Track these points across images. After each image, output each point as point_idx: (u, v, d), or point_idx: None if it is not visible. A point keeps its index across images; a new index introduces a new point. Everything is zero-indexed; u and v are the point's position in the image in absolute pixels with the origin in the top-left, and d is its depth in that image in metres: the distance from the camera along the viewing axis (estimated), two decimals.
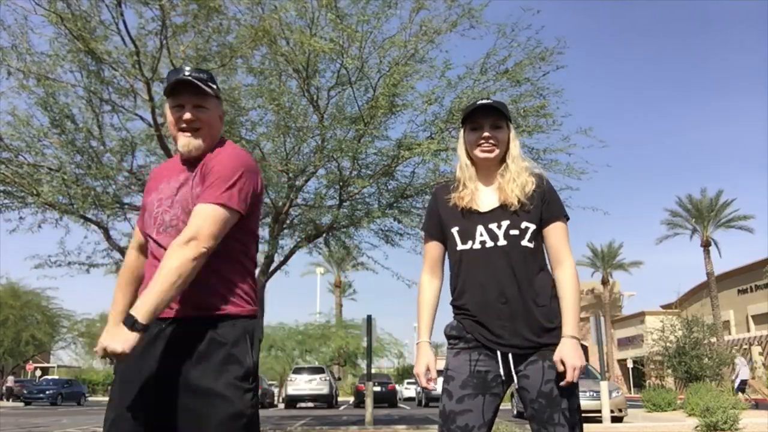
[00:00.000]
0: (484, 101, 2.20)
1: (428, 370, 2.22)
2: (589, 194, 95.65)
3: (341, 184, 10.12)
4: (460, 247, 2.19)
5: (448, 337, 2.25)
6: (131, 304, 1.96)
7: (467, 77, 9.44)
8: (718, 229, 40.24)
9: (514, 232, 2.14)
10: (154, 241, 1.99)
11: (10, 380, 38.12)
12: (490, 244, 2.14)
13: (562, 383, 2.03)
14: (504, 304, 2.11)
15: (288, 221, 10.93)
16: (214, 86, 2.03)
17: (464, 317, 2.19)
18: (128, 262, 2.17)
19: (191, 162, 2.02)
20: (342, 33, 8.37)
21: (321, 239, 11.47)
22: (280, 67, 9.01)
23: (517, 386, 2.16)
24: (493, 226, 2.15)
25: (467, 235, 2.18)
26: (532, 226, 2.15)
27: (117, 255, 10.73)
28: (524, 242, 2.14)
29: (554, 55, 9.44)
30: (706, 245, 39.93)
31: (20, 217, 9.95)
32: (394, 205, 10.54)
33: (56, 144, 9.51)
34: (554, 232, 2.19)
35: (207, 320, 1.90)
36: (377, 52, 8.91)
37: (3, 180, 9.31)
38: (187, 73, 1.98)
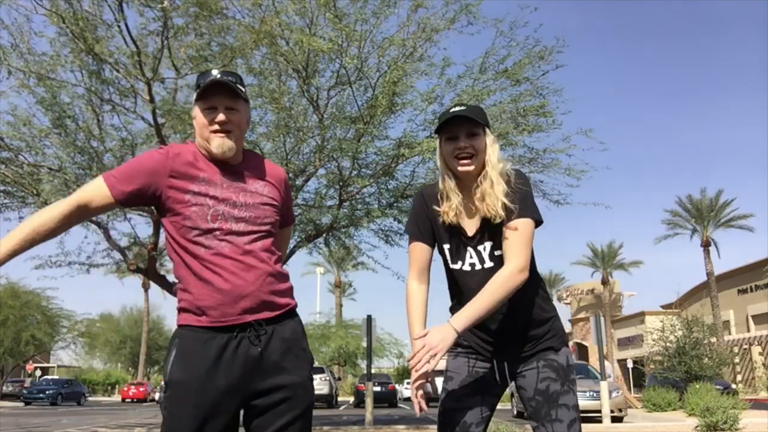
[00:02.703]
0: (456, 109, 2.12)
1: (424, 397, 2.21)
2: (589, 194, 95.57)
3: (341, 183, 10.12)
4: (451, 265, 2.20)
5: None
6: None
7: (466, 76, 9.45)
8: (718, 228, 40.27)
9: (498, 252, 2.12)
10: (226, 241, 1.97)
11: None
12: (478, 266, 2.15)
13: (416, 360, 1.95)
14: (498, 322, 2.14)
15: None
16: (244, 89, 2.05)
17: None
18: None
19: (224, 164, 2.03)
20: (341, 32, 8.37)
21: (321, 239, 11.48)
22: (279, 67, 9.02)
23: (516, 386, 2.18)
24: (480, 248, 2.15)
25: (458, 256, 2.18)
26: None
27: (117, 255, 10.74)
28: None
29: (553, 54, 9.46)
30: (706, 245, 39.94)
31: (20, 217, 9.97)
32: (394, 204, 10.55)
33: (57, 144, 9.52)
34: (511, 228, 2.07)
35: (277, 318, 2.00)
36: (376, 51, 8.92)
37: (3, 180, 9.31)
38: (218, 76, 1.99)
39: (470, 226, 2.15)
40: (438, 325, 2.00)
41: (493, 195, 2.07)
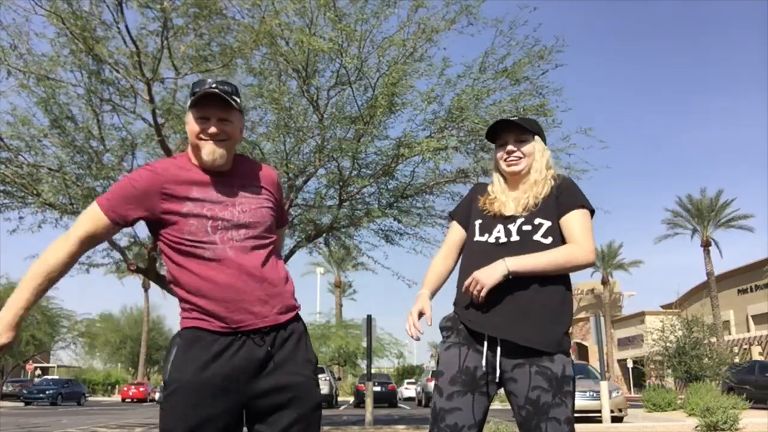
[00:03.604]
0: (509, 118, 2.29)
1: (421, 314, 2.19)
2: (589, 194, 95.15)
3: (341, 183, 10.12)
4: (477, 238, 2.24)
5: (442, 328, 2.25)
6: None
7: (466, 76, 9.44)
8: (718, 228, 40.26)
9: (527, 227, 2.16)
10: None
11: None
12: (503, 240, 2.17)
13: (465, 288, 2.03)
14: (506, 296, 2.09)
15: (288, 221, 10.92)
16: (238, 100, 2.05)
17: (461, 307, 2.20)
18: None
19: (216, 172, 2.03)
20: (341, 32, 8.37)
21: (321, 239, 11.47)
22: (279, 67, 9.01)
23: (506, 391, 2.12)
24: (510, 226, 2.20)
25: (486, 228, 2.24)
26: (547, 223, 2.17)
27: (117, 255, 10.74)
28: (537, 237, 2.14)
29: (553, 54, 9.46)
30: (706, 245, 39.93)
31: (20, 217, 9.97)
32: (394, 204, 10.54)
33: (56, 144, 9.51)
34: (569, 220, 2.18)
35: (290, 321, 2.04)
36: (376, 51, 8.91)
37: (3, 180, 9.31)
38: (213, 86, 1.99)
39: (507, 211, 2.25)
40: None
41: (533, 190, 2.20)
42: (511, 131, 2.28)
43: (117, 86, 8.79)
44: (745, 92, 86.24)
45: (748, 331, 38.59)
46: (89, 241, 1.99)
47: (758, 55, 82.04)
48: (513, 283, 2.08)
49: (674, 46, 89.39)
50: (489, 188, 2.34)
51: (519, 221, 2.18)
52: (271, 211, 2.09)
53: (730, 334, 39.16)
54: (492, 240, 2.19)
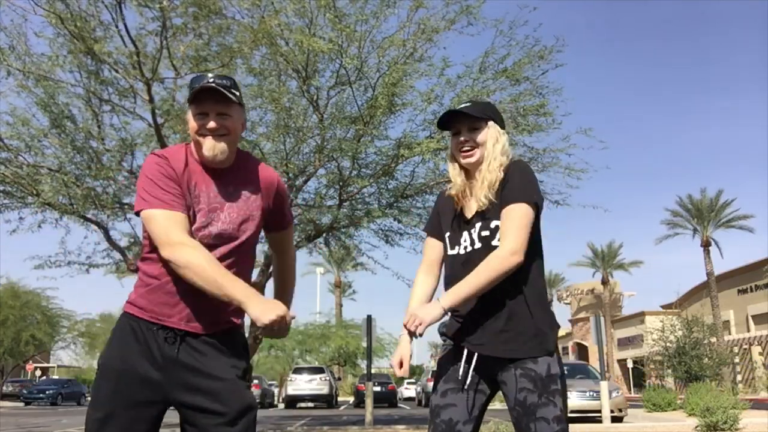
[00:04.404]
0: (459, 107, 2.21)
1: (401, 364, 2.17)
2: (589, 194, 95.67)
3: (341, 184, 10.11)
4: (449, 252, 2.24)
5: (441, 334, 2.30)
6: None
7: (466, 76, 9.44)
8: (718, 228, 40.26)
9: (485, 233, 2.13)
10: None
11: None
12: (469, 249, 2.17)
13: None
14: (480, 307, 2.11)
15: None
16: (238, 93, 2.03)
17: (452, 316, 2.21)
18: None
19: (214, 169, 2.03)
20: (341, 33, 8.36)
21: (321, 239, 11.46)
22: (279, 68, 9.00)
23: (501, 391, 2.14)
24: (472, 231, 2.17)
25: (455, 241, 2.23)
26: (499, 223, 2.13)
27: (117, 255, 10.73)
28: (495, 242, 2.10)
29: (553, 54, 9.45)
30: (706, 245, 39.93)
31: (20, 217, 9.96)
32: (394, 204, 10.53)
33: (56, 144, 9.51)
34: (503, 217, 2.09)
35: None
36: (376, 51, 8.91)
37: (3, 180, 9.30)
38: (211, 80, 1.98)
39: (469, 212, 2.21)
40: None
41: (483, 188, 2.13)
42: (463, 120, 2.19)
43: (116, 86, 8.78)
44: (745, 92, 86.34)
45: (748, 331, 38.60)
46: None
47: (758, 55, 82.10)
48: (487, 297, 2.08)
49: (674, 46, 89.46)
50: (451, 186, 2.28)
51: (477, 226, 2.15)
52: (254, 221, 2.08)
53: (730, 334, 39.17)
54: (462, 251, 2.19)
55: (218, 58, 8.14)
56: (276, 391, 34.75)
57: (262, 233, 2.24)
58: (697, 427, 11.18)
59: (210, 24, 8.04)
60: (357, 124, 9.17)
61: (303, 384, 25.99)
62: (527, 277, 2.11)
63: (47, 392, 30.78)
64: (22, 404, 30.69)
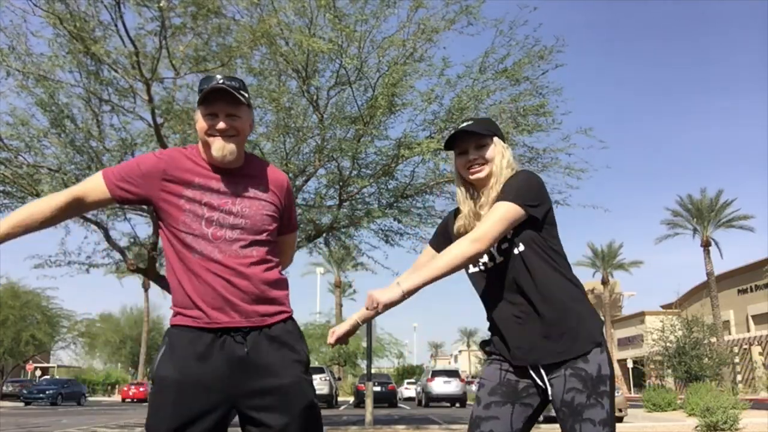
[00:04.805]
0: (464, 126, 2.22)
1: (334, 333, 2.25)
2: (589, 194, 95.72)
3: (341, 184, 10.11)
4: (470, 270, 2.22)
5: (485, 351, 2.27)
6: None
7: (466, 76, 9.44)
8: (718, 228, 40.26)
9: (504, 245, 2.13)
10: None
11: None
12: (490, 264, 2.16)
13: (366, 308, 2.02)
14: (517, 319, 2.10)
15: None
16: (246, 95, 2.05)
17: (493, 333, 2.21)
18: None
19: (224, 169, 2.02)
20: (341, 33, 8.36)
21: (321, 239, 11.46)
22: (279, 67, 9.00)
23: (549, 400, 2.12)
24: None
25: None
26: (511, 231, 2.11)
27: (117, 255, 10.73)
28: (516, 251, 2.11)
29: (553, 54, 9.44)
30: (706, 245, 39.93)
31: None
32: (394, 204, 10.53)
33: (56, 144, 9.51)
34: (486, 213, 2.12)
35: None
36: (376, 51, 8.91)
37: (3, 180, 9.31)
38: (220, 82, 1.99)
39: None
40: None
41: (491, 197, 2.13)
42: (470, 139, 2.22)
43: (116, 86, 8.78)
44: (745, 92, 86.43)
45: (748, 331, 38.62)
46: (78, 204, 1.99)
47: (758, 55, 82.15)
48: (519, 306, 2.08)
49: (674, 46, 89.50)
50: (459, 206, 2.29)
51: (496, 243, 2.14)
52: (272, 216, 2.08)
53: (730, 334, 39.19)
54: (482, 267, 2.19)
55: (218, 57, 8.14)
56: None
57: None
58: (697, 427, 11.18)
59: (209, 23, 8.03)
60: (357, 124, 9.17)
61: None
62: (553, 273, 2.10)
63: (47, 392, 30.76)
64: (22, 404, 30.68)
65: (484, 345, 2.28)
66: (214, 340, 1.90)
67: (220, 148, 1.98)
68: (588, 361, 2.02)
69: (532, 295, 2.07)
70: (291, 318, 2.06)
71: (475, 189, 2.25)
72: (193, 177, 2.00)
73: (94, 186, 1.99)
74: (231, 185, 2.02)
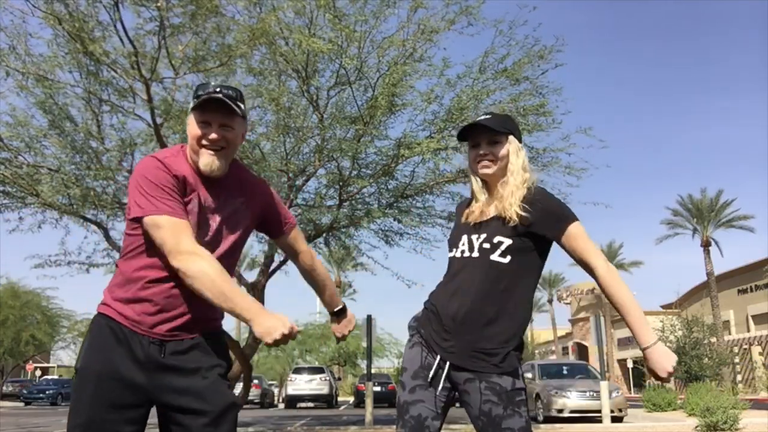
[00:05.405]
0: (480, 119, 2.22)
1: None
2: (589, 194, 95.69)
3: (341, 184, 10.10)
4: (449, 254, 2.26)
5: (409, 327, 2.29)
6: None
7: (466, 76, 9.42)
8: (718, 228, 40.22)
9: (486, 245, 2.13)
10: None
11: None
12: (467, 254, 2.17)
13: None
14: (454, 318, 2.12)
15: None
16: (243, 106, 2.03)
17: (427, 311, 2.23)
18: None
19: (208, 178, 2.03)
20: (340, 33, 8.36)
21: (321, 239, 11.45)
22: (279, 67, 9.00)
23: (460, 399, 2.16)
24: (474, 236, 2.18)
25: (453, 242, 2.25)
26: (507, 241, 2.12)
27: (117, 255, 10.72)
28: (494, 257, 2.11)
29: (553, 53, 9.42)
30: (706, 245, 39.89)
31: (20, 217, 9.96)
32: (394, 204, 10.52)
33: (56, 144, 9.51)
34: (568, 239, 2.12)
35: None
36: (376, 51, 8.90)
37: (3, 180, 9.30)
38: (217, 90, 1.96)
39: (479, 218, 2.23)
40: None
41: (512, 198, 2.14)
42: (484, 132, 2.22)
43: (115, 86, 8.78)
44: (745, 92, 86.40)
45: (748, 331, 38.59)
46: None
47: (758, 55, 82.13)
48: (466, 306, 2.11)
49: (674, 46, 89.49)
50: (471, 187, 2.32)
51: (483, 236, 2.16)
52: (243, 232, 2.10)
53: (730, 334, 39.16)
54: (458, 254, 2.21)
55: (217, 57, 8.13)
56: (276, 391, 34.76)
57: (265, 238, 2.26)
58: (697, 427, 11.18)
59: (208, 23, 8.03)
60: (357, 124, 9.16)
61: (303, 384, 25.99)
62: (516, 295, 2.13)
63: (47, 392, 30.77)
64: (22, 404, 30.67)
65: (412, 321, 2.29)
66: (139, 339, 1.93)
67: (209, 163, 1.97)
68: (502, 377, 2.08)
69: (480, 302, 2.10)
70: (220, 330, 2.09)
71: (484, 181, 2.27)
72: (187, 187, 2.00)
73: (186, 227, 1.89)
74: (214, 197, 2.03)
